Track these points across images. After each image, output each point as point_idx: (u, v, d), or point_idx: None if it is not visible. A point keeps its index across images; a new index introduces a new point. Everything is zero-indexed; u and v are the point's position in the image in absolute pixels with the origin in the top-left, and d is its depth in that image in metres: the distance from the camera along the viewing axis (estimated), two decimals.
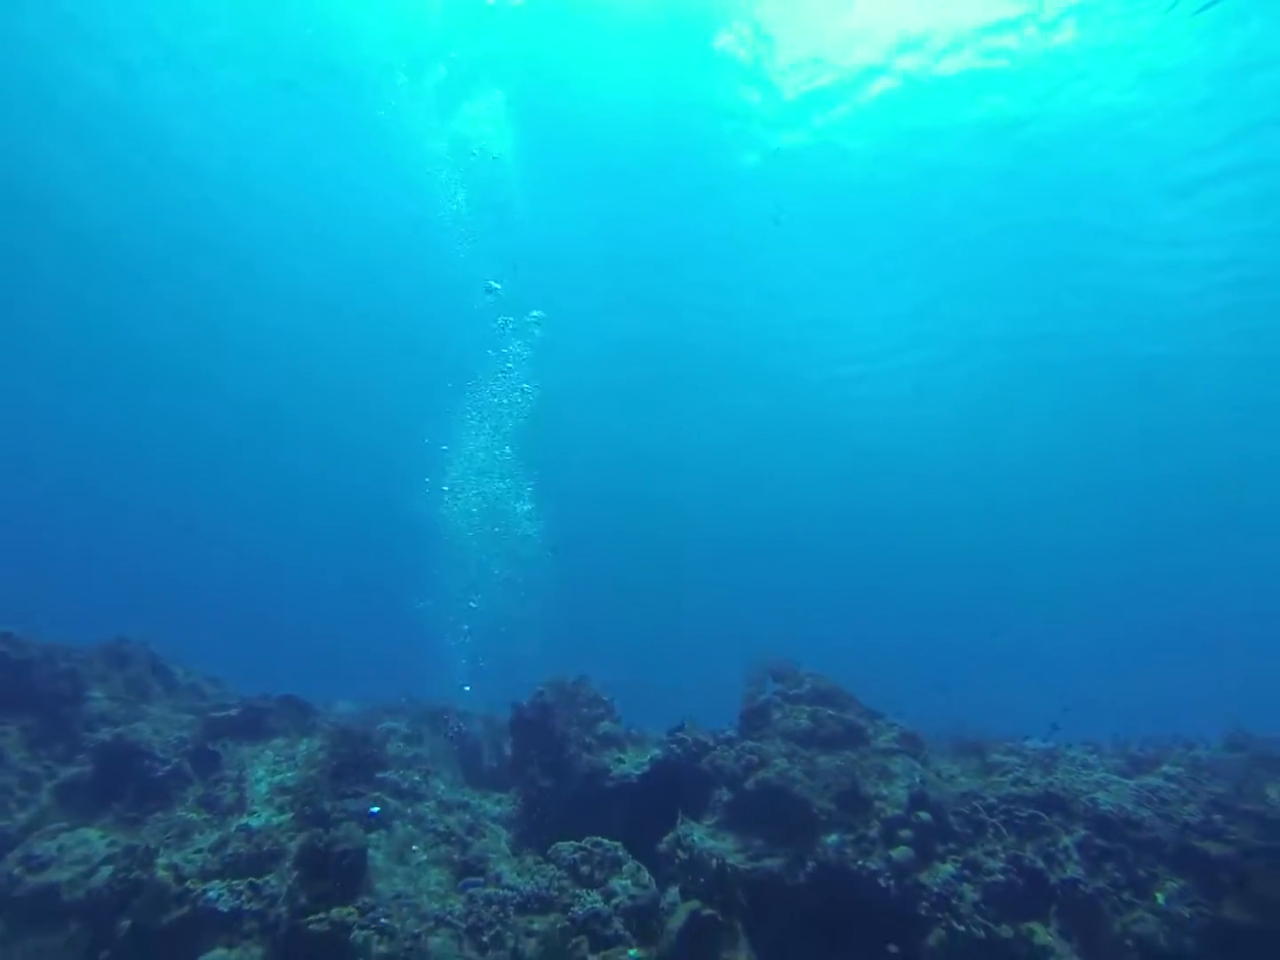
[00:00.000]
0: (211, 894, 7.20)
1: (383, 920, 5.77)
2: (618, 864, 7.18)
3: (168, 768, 10.16)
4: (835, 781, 8.55)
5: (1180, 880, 7.32)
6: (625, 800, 10.18)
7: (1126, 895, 7.17)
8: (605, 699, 11.99)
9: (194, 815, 8.93)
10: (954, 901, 7.22)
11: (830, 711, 10.16)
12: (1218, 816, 7.38)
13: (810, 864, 7.90)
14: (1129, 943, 6.85)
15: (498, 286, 16.28)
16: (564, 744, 11.00)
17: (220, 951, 6.40)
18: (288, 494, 48.75)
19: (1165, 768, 9.29)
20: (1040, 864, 7.51)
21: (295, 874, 6.63)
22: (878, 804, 8.38)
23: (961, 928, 7.02)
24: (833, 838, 8.16)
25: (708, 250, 24.59)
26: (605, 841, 7.51)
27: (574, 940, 5.65)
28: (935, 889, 7.33)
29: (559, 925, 5.85)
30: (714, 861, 6.99)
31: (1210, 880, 7.19)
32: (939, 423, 32.19)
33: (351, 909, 5.86)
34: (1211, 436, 29.14)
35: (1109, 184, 19.44)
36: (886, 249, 23.32)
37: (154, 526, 52.00)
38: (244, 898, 7.24)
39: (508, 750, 12.46)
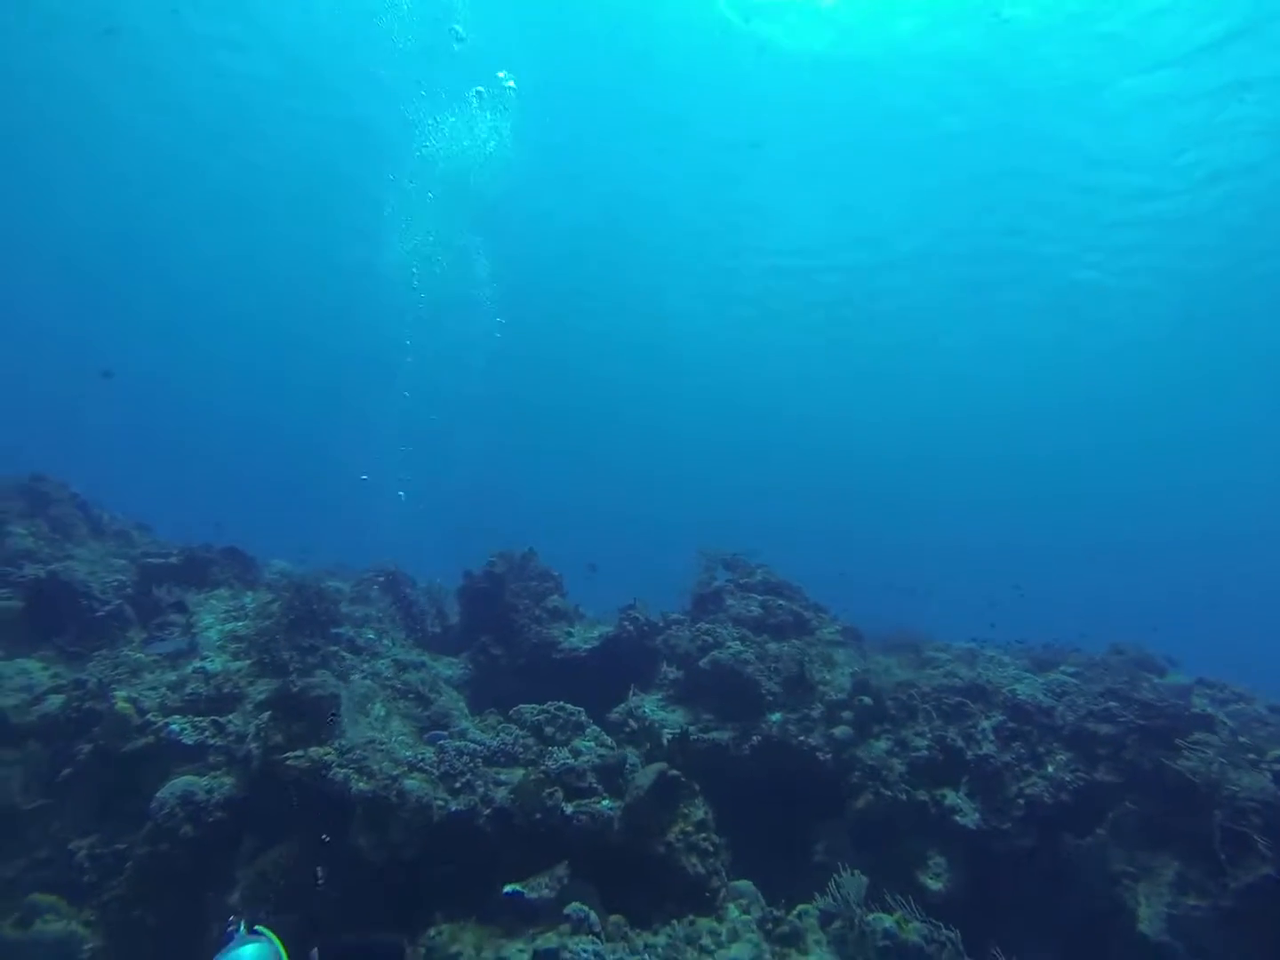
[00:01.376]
0: (174, 727, 7.21)
1: (362, 760, 5.89)
2: (580, 727, 7.50)
3: (108, 608, 9.84)
4: (784, 666, 9.07)
5: (1069, 754, 8.28)
6: (573, 673, 10.54)
7: (1026, 767, 8.07)
8: (554, 574, 12.17)
9: (141, 656, 8.75)
10: (884, 772, 7.94)
11: (781, 601, 10.65)
12: (1113, 704, 8.25)
13: (756, 738, 8.49)
14: (1020, 801, 7.78)
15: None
16: (512, 615, 11.19)
17: (190, 778, 6.45)
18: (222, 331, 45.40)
19: (1064, 667, 10.26)
20: (960, 742, 8.30)
21: (268, 714, 6.65)
22: (821, 688, 8.98)
23: (888, 793, 7.75)
24: (776, 716, 8.75)
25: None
26: (568, 706, 7.81)
27: (549, 790, 5.94)
28: (869, 761, 8.01)
29: (533, 776, 6.12)
30: (667, 732, 7.36)
31: (1092, 754, 8.21)
32: (880, 325, 32.47)
33: (329, 749, 5.96)
34: (1133, 364, 30.81)
35: (1078, 93, 18.71)
36: (830, 142, 22.23)
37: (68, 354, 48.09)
38: (207, 734, 7.28)
39: (452, 618, 12.61)
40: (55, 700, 7.75)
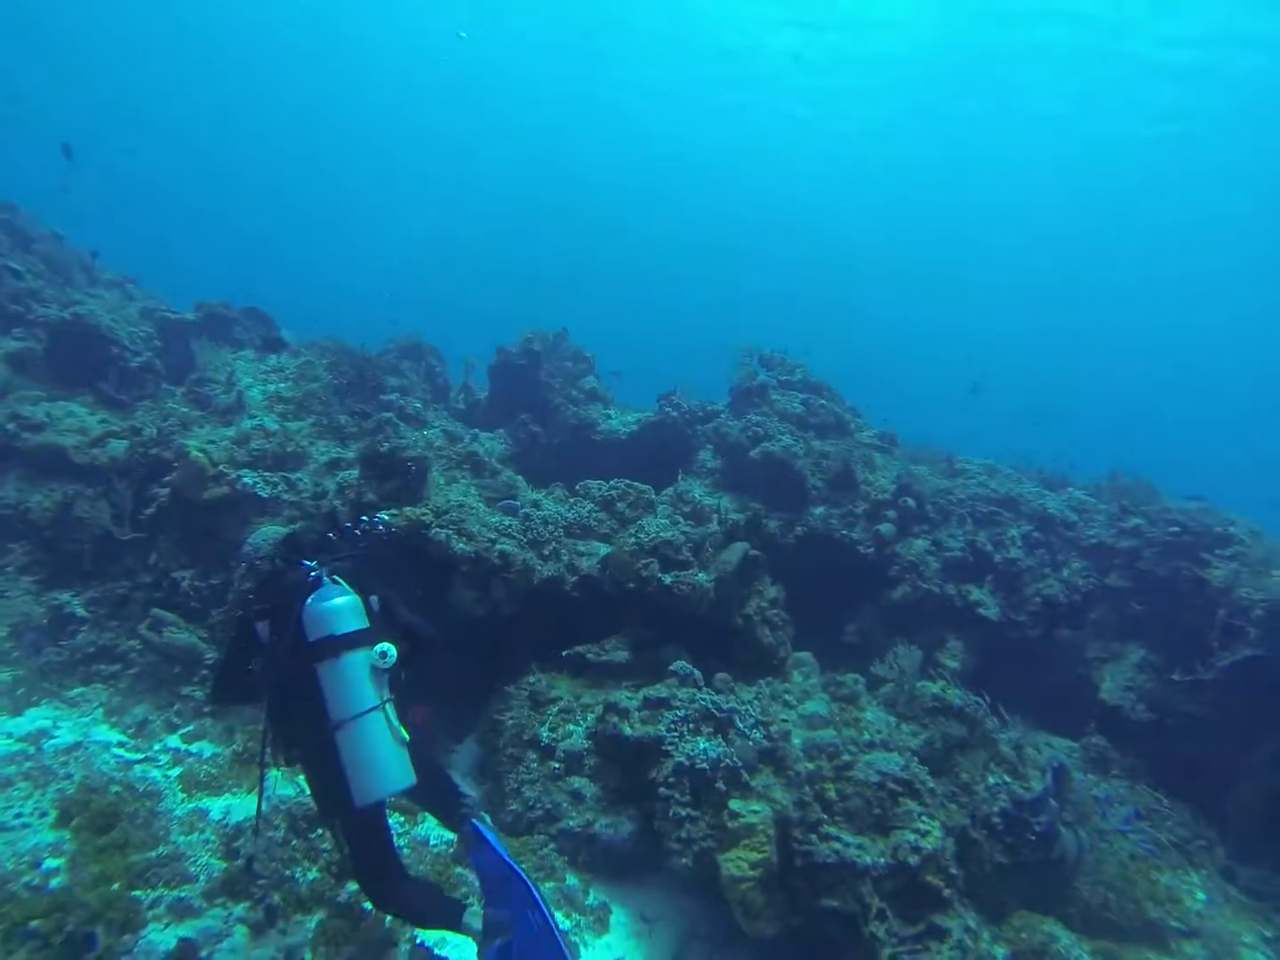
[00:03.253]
0: (247, 479, 7.20)
1: (460, 522, 6.00)
2: (650, 505, 7.73)
3: (140, 360, 9.42)
4: (831, 464, 9.29)
5: (1085, 563, 8.95)
6: (611, 455, 10.69)
7: (1046, 570, 8.73)
8: (587, 355, 11.92)
9: (187, 410, 8.52)
10: (921, 568, 8.48)
11: (822, 401, 10.68)
12: (1138, 520, 8.80)
13: (800, 528, 8.88)
14: (1037, 599, 8.51)
15: None
16: (548, 394, 11.08)
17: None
18: None
19: (1072, 489, 10.77)
20: (989, 546, 8.84)
21: (358, 473, 6.64)
22: (864, 487, 9.28)
23: (925, 585, 8.35)
24: (820, 509, 9.10)
25: None
26: (637, 484, 7.98)
27: (644, 561, 6.20)
28: (909, 557, 8.53)
29: (627, 548, 6.35)
30: (734, 515, 7.60)
31: (1105, 565, 8.90)
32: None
33: (425, 509, 6.03)
34: None
35: None
36: None
37: None
38: (280, 488, 7.31)
39: (478, 394, 12.43)
40: (118, 445, 7.59)
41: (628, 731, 5.31)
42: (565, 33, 30.76)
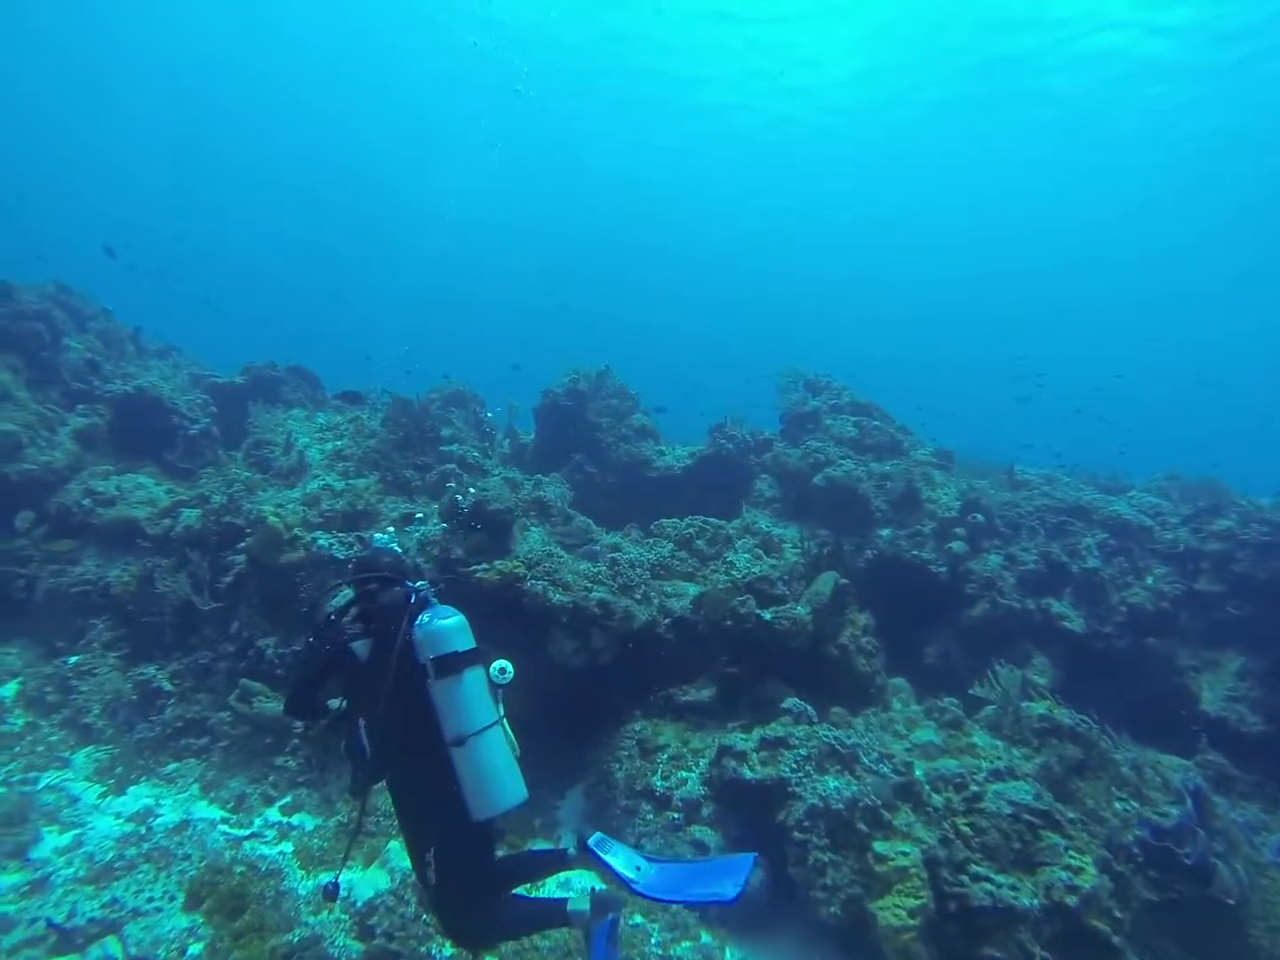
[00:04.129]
0: (323, 541, 7.18)
1: (553, 572, 5.95)
2: (729, 540, 7.66)
3: (198, 426, 9.51)
4: (894, 485, 9.22)
5: (1167, 568, 8.77)
6: (667, 490, 10.66)
7: (1129, 579, 8.56)
8: (632, 392, 11.94)
9: (249, 474, 8.55)
10: (998, 583, 8.34)
11: (875, 422, 10.64)
12: (1225, 522, 8.63)
13: (870, 552, 8.79)
14: (1123, 608, 8.33)
15: None
16: (597, 433, 11.09)
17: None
18: None
19: (1134, 492, 10.62)
20: (1064, 557, 8.70)
21: (443, 529, 6.61)
22: (928, 506, 9.19)
23: (1004, 601, 8.20)
24: (887, 531, 9.02)
25: None
26: (712, 520, 7.92)
27: (740, 598, 6.12)
28: (984, 574, 8.39)
29: (721, 585, 6.27)
30: (813, 544, 7.51)
31: (1192, 569, 8.72)
32: None
33: (516, 561, 5.99)
34: None
35: None
36: None
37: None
38: (356, 548, 7.28)
39: (523, 437, 12.45)
40: (190, 514, 7.62)
41: (748, 775, 5.19)
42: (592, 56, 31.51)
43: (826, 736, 5.17)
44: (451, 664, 3.18)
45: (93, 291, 12.11)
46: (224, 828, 5.63)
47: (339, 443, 9.34)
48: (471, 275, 61.85)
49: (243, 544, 7.23)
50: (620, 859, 3.39)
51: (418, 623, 3.24)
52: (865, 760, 5.06)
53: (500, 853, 3.69)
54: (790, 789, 4.95)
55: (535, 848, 5.33)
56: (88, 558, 7.89)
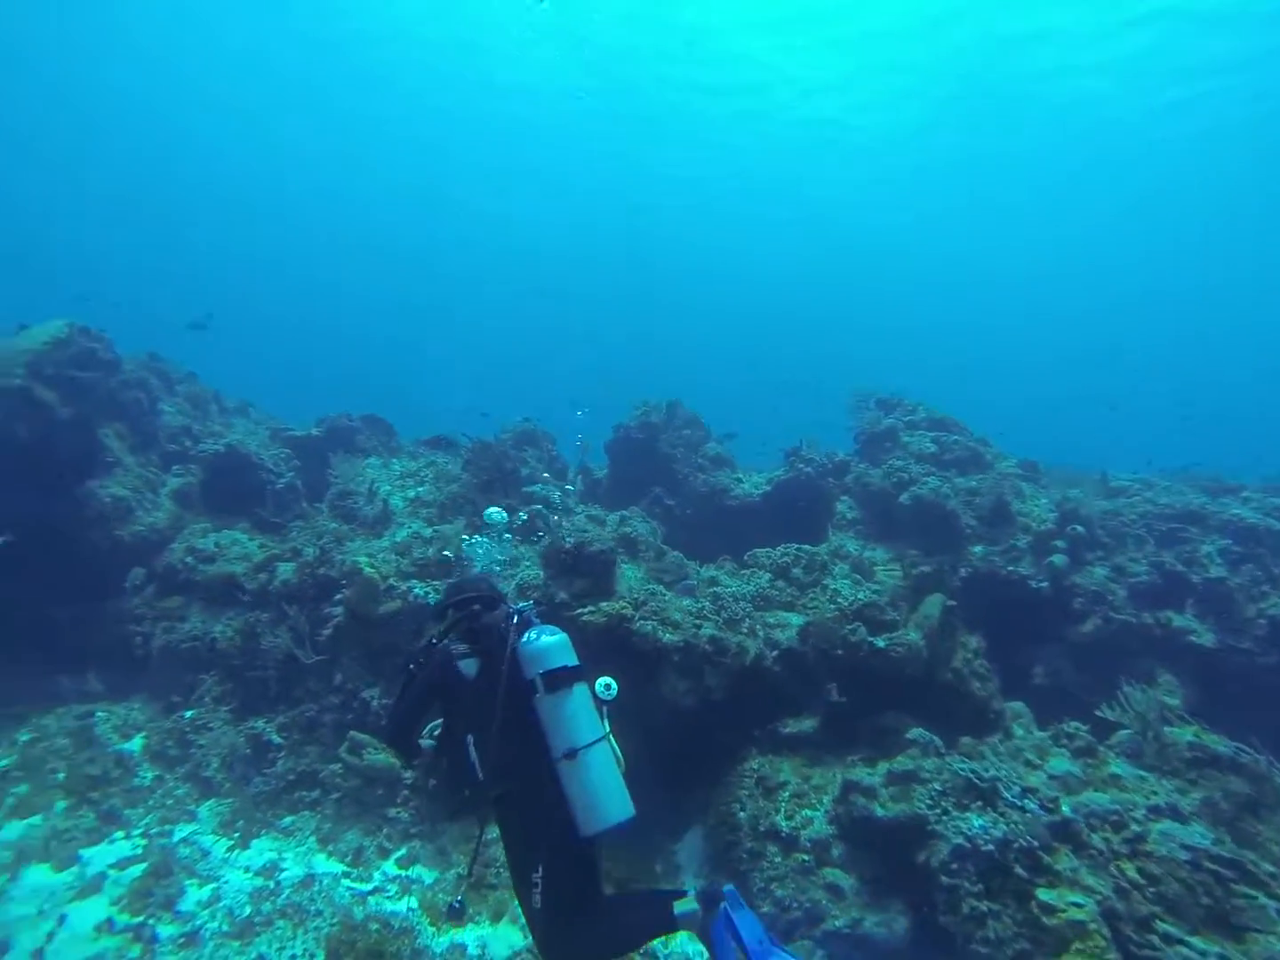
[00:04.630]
0: (419, 590, 7.25)
1: (660, 612, 5.87)
2: (825, 567, 7.48)
3: (284, 481, 9.78)
4: (983, 500, 8.93)
5: None
6: (746, 518, 10.52)
7: (1265, 588, 8.01)
8: (702, 421, 11.89)
9: (336, 525, 8.72)
10: (1109, 597, 7.94)
11: (955, 437, 10.36)
12: None
13: (964, 570, 8.49)
14: (1261, 621, 7.78)
15: None
16: (672, 464, 11.04)
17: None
18: None
19: (1245, 493, 10.05)
20: (1180, 566, 8.24)
21: (545, 574, 6.61)
22: (1021, 519, 8.86)
23: (1118, 616, 7.80)
24: (979, 548, 8.71)
25: None
26: (806, 547, 7.76)
27: (850, 626, 5.94)
28: (1091, 587, 8.01)
29: (828, 614, 6.11)
30: (919, 568, 7.28)
31: None
32: None
33: (623, 602, 5.93)
34: None
35: None
36: None
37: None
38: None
39: (596, 471, 12.48)
40: (286, 568, 7.79)
41: (880, 812, 4.97)
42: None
43: (961, 769, 4.92)
44: (560, 679, 3.21)
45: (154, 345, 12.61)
46: (347, 882, 5.64)
47: (420, 489, 9.49)
48: (531, 312, 63.34)
49: (339, 596, 7.36)
50: (747, 924, 3.20)
51: (524, 640, 3.28)
52: (1007, 795, 4.80)
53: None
54: (929, 827, 4.72)
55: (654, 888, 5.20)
56: (194, 614, 8.11)
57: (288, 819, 6.43)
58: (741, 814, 5.52)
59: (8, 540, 7.44)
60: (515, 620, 3.43)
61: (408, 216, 50.87)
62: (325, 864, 5.91)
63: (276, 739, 6.99)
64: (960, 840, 4.53)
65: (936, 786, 4.94)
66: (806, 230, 46.19)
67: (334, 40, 32.47)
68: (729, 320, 63.75)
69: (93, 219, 50.96)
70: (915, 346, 62.72)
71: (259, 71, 35.43)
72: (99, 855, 5.69)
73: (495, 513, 6.14)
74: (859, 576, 7.26)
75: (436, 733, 3.46)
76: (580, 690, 3.24)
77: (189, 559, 8.26)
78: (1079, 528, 8.42)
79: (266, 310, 66.52)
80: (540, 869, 3.03)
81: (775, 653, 6.31)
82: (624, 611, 5.84)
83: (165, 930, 4.94)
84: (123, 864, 5.61)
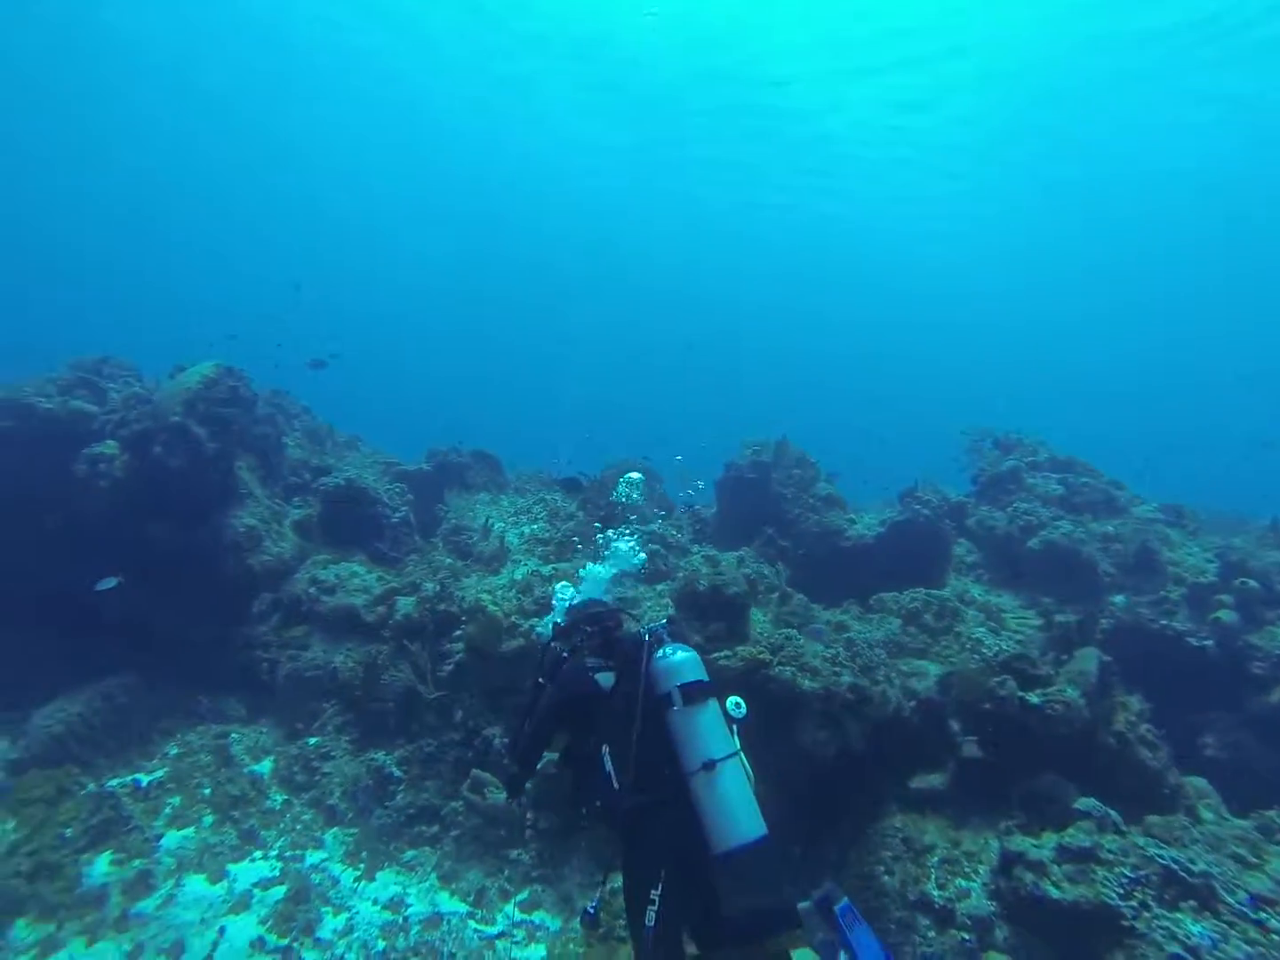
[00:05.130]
0: (540, 630, 7.20)
1: (798, 657, 5.64)
2: (956, 613, 7.08)
3: (399, 515, 10.05)
4: (1124, 546, 8.32)
5: None
6: (859, 559, 10.14)
7: None
8: (812, 460, 11.61)
9: (453, 560, 8.86)
10: None
11: (1085, 479, 9.77)
12: None
13: (1105, 621, 7.87)
14: None
15: None
16: (783, 504, 10.80)
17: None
18: None
19: None
20: None
21: (674, 614, 6.51)
22: (1171, 569, 8.19)
23: None
24: (1120, 598, 8.07)
25: None
26: (935, 591, 7.39)
27: (998, 678, 5.55)
28: (1276, 652, 7.24)
29: (972, 665, 5.75)
30: (1061, 618, 6.80)
31: None
32: None
33: (760, 647, 5.73)
34: None
35: None
36: None
37: None
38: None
39: (702, 511, 12.30)
40: (405, 603, 7.91)
41: (1055, 894, 4.52)
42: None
43: (1162, 857, 4.41)
44: (696, 692, 3.20)
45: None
46: (474, 925, 5.57)
47: (533, 526, 9.56)
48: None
49: (458, 632, 7.41)
50: (865, 939, 2.97)
51: (658, 655, 3.29)
52: (1230, 899, 4.25)
53: None
54: (1125, 923, 4.24)
55: None
56: (316, 643, 8.34)
57: (409, 853, 6.43)
58: (888, 878, 5.15)
59: (120, 581, 7.92)
60: (648, 637, 3.40)
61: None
62: (448, 903, 5.85)
63: (396, 772, 7.03)
64: (1178, 950, 4.03)
65: (1125, 872, 4.45)
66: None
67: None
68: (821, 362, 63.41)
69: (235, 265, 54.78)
70: (1026, 382, 60.30)
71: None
72: (243, 873, 5.90)
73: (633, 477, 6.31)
74: (994, 624, 6.81)
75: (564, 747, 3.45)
76: (714, 705, 3.21)
77: (312, 589, 8.52)
78: (1251, 582, 7.68)
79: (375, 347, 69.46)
80: (660, 887, 2.93)
81: (913, 703, 5.96)
82: (761, 656, 5.64)
83: (309, 955, 5.06)
84: (265, 884, 5.78)
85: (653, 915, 2.85)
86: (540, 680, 3.46)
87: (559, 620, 4.06)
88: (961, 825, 5.55)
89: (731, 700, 3.24)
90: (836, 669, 5.70)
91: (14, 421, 8.73)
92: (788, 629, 6.31)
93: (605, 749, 3.17)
